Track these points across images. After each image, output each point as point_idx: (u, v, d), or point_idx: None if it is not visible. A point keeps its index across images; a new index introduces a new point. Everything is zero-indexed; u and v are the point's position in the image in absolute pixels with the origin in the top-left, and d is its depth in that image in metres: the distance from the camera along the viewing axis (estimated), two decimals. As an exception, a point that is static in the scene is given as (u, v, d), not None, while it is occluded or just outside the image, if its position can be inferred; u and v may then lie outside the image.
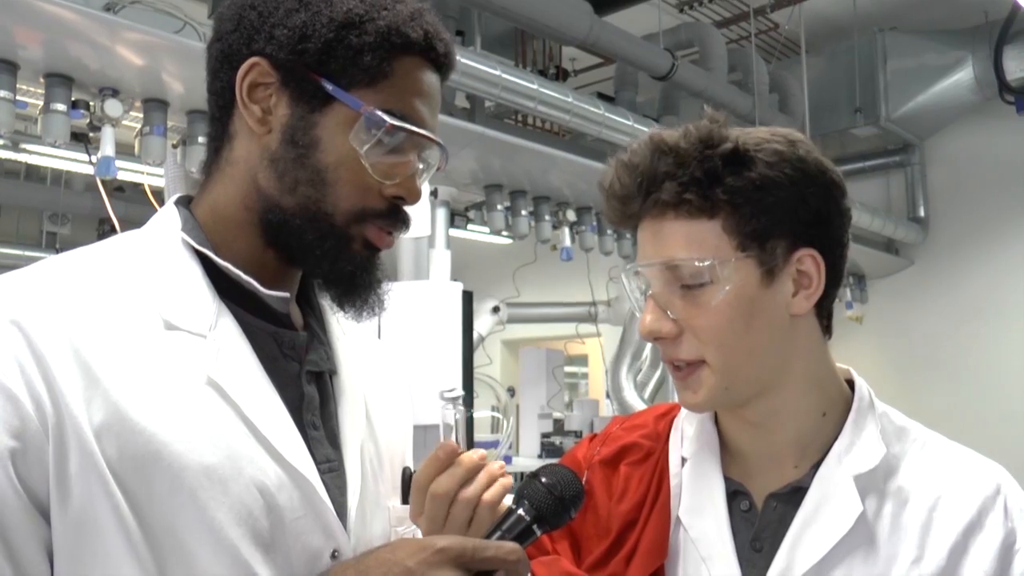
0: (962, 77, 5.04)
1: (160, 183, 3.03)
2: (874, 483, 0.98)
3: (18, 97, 2.40)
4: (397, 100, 0.90)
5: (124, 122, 2.64)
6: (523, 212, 3.98)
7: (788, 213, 0.96)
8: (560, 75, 4.81)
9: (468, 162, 3.56)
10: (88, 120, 2.59)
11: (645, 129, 3.95)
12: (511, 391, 6.58)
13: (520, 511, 0.88)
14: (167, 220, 0.93)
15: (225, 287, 0.89)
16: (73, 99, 2.50)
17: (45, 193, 5.92)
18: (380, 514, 0.99)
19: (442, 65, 0.96)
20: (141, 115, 2.67)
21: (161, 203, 2.61)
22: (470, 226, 4.99)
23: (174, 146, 2.81)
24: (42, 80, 2.46)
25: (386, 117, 0.88)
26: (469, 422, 3.70)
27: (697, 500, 1.04)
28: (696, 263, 0.95)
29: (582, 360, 8.11)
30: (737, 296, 0.95)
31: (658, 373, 5.53)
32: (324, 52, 0.88)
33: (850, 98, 5.18)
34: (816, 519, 0.97)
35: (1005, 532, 0.95)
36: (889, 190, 5.99)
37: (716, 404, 1.03)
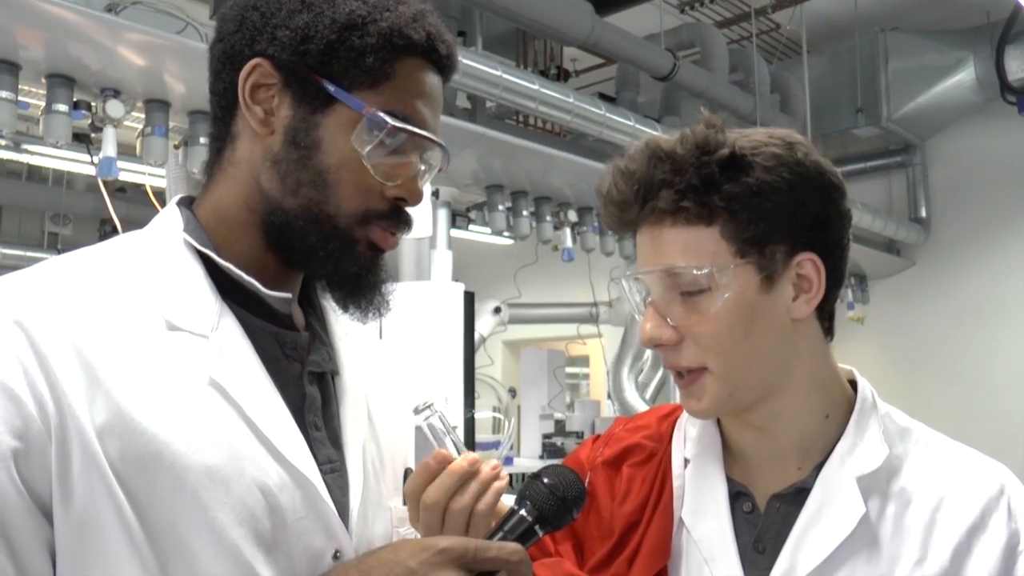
0: (964, 77, 5.04)
1: (162, 184, 3.03)
2: (877, 484, 0.98)
3: (20, 98, 2.40)
4: (399, 101, 0.90)
5: (126, 123, 2.64)
6: (524, 212, 3.98)
7: (787, 218, 0.95)
8: (561, 75, 4.81)
9: (469, 162, 3.56)
10: (90, 121, 2.60)
11: (646, 129, 3.95)
12: (512, 392, 6.57)
13: (522, 511, 0.88)
14: (169, 221, 0.93)
15: (227, 288, 0.89)
16: (75, 100, 2.51)
17: (47, 194, 5.92)
18: (382, 515, 0.99)
19: (444, 67, 0.96)
20: (143, 116, 2.67)
21: (163, 204, 2.61)
22: (471, 227, 5.00)
23: (176, 147, 2.81)
24: (44, 81, 2.46)
25: (388, 119, 0.88)
26: (470, 423, 3.70)
27: (700, 501, 1.04)
28: (694, 271, 0.94)
29: (583, 361, 8.11)
30: (736, 302, 0.95)
31: (659, 374, 5.53)
32: (326, 53, 0.88)
33: (851, 98, 5.18)
34: (819, 520, 0.97)
35: (1009, 533, 0.95)
36: (890, 190, 5.98)
37: (720, 411, 1.03)
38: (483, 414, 5.90)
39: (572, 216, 4.22)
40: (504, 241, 5.18)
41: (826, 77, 5.24)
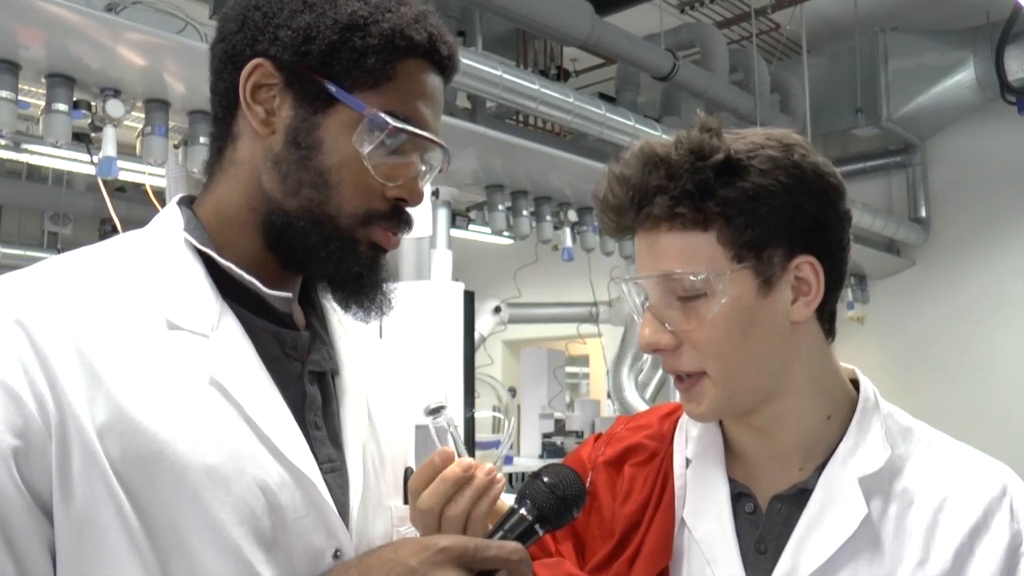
0: (963, 77, 5.04)
1: (161, 183, 3.04)
2: (879, 485, 0.98)
3: (20, 97, 2.40)
4: (400, 102, 0.90)
5: (126, 122, 2.64)
6: (524, 212, 3.98)
7: (784, 222, 0.94)
8: (561, 75, 4.81)
9: (469, 162, 3.56)
10: (90, 120, 2.60)
11: (646, 129, 3.95)
12: (512, 391, 6.58)
13: (522, 511, 0.88)
14: (170, 220, 0.93)
15: (227, 287, 0.89)
16: (75, 99, 2.51)
17: (47, 193, 5.92)
18: (382, 514, 0.99)
19: (445, 68, 0.96)
20: (142, 115, 2.67)
21: (162, 203, 2.61)
22: (471, 226, 4.99)
23: (175, 146, 2.81)
24: (44, 80, 2.46)
25: (389, 119, 0.88)
26: (470, 422, 3.70)
27: (701, 502, 1.04)
28: (691, 277, 0.94)
29: (583, 360, 8.12)
30: (733, 308, 0.94)
31: (659, 374, 5.53)
32: (328, 54, 0.88)
33: (851, 98, 5.18)
34: (821, 521, 0.97)
35: (1011, 534, 0.94)
36: (890, 190, 5.99)
37: (720, 414, 1.03)
38: (483, 413, 5.90)
39: (572, 216, 4.22)
40: (504, 241, 5.18)
41: (826, 77, 5.24)
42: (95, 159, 2.71)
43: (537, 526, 0.88)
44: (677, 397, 1.05)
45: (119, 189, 5.31)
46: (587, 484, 1.05)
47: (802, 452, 1.02)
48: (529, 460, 5.70)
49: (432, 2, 0.98)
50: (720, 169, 0.93)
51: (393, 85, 0.90)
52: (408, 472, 1.05)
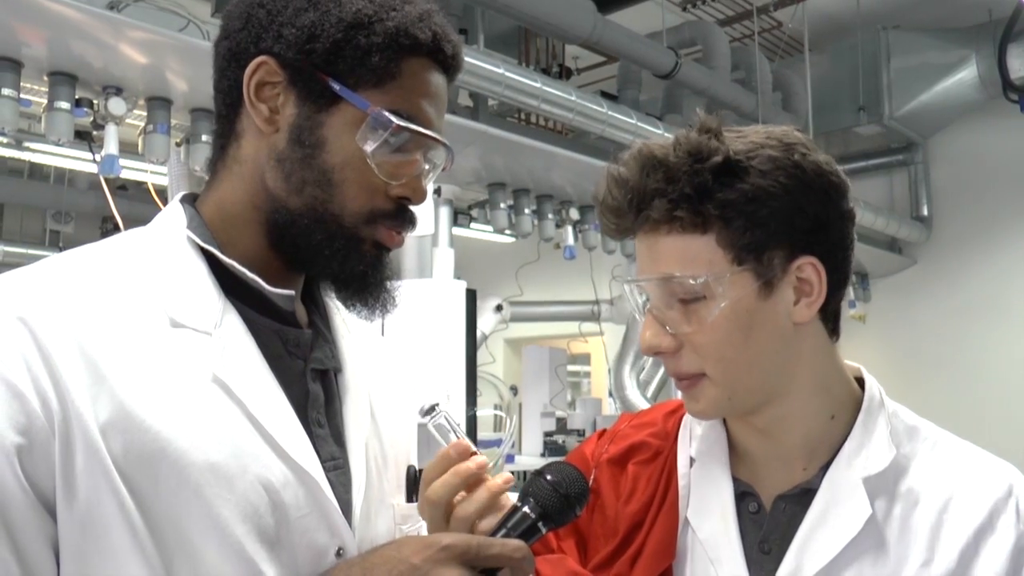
0: (966, 75, 5.04)
1: (163, 181, 3.04)
2: (884, 485, 0.97)
3: (22, 95, 2.40)
4: (404, 101, 0.90)
5: (128, 120, 2.64)
6: (526, 210, 3.98)
7: (784, 223, 0.93)
8: (563, 73, 4.81)
9: (471, 160, 3.56)
10: (92, 118, 2.60)
11: (648, 127, 3.95)
12: (514, 389, 6.59)
13: (525, 508, 0.88)
14: (173, 218, 0.93)
15: (230, 285, 0.89)
16: (77, 97, 2.51)
17: (49, 191, 5.93)
18: (385, 512, 0.99)
19: (449, 67, 0.95)
20: (145, 113, 2.67)
21: (164, 201, 2.61)
22: (473, 224, 4.99)
23: (177, 144, 2.81)
24: (46, 78, 2.46)
25: (393, 118, 0.88)
26: (472, 421, 3.70)
27: (705, 501, 1.03)
28: (690, 280, 0.93)
29: (585, 359, 8.12)
30: (734, 310, 0.93)
31: (661, 372, 5.53)
32: (332, 52, 0.88)
33: (853, 96, 5.17)
34: (825, 521, 0.96)
35: (1017, 534, 0.94)
36: (892, 189, 5.98)
37: (720, 413, 1.03)
38: (485, 412, 5.90)
39: (574, 214, 4.22)
40: (506, 239, 5.18)
41: (828, 75, 5.24)
42: (97, 157, 2.71)
43: (540, 524, 0.88)
44: (679, 395, 1.05)
45: (121, 187, 5.31)
46: (590, 482, 1.04)
47: (806, 452, 1.01)
48: (531, 458, 5.69)
49: (435, 0, 0.97)
50: (719, 171, 0.92)
51: (397, 83, 0.90)
52: (411, 470, 1.05)
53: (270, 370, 0.88)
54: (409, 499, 1.03)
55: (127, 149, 2.72)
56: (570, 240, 4.25)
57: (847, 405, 1.03)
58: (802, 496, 1.00)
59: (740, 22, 5.17)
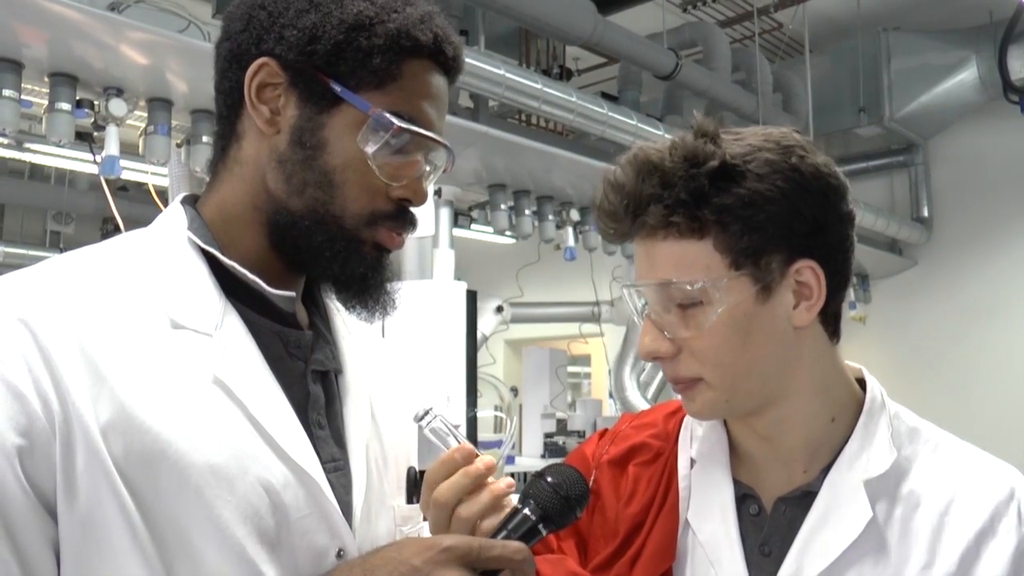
0: (966, 77, 5.04)
1: (164, 182, 3.04)
2: (885, 487, 0.96)
3: (23, 96, 2.41)
4: (405, 102, 0.90)
5: (128, 121, 2.64)
6: (527, 212, 3.98)
7: (782, 227, 0.92)
8: (564, 74, 4.81)
9: (472, 161, 3.56)
10: (92, 119, 2.60)
11: (649, 129, 3.95)
12: (514, 391, 6.58)
13: (526, 510, 0.88)
14: (173, 219, 0.93)
15: (231, 286, 0.89)
16: (77, 98, 2.51)
17: (49, 192, 5.94)
18: (385, 513, 0.99)
19: (450, 68, 0.95)
20: (145, 114, 2.67)
21: (165, 203, 2.62)
22: (474, 226, 5.00)
23: (178, 145, 2.81)
24: (46, 79, 2.46)
25: (394, 119, 0.88)
26: (472, 422, 3.70)
27: (706, 503, 1.03)
28: (687, 286, 0.92)
29: (585, 360, 8.12)
30: (731, 315, 0.93)
31: (661, 373, 5.52)
32: (333, 54, 0.88)
33: (854, 98, 5.18)
34: (825, 524, 0.96)
35: (1018, 538, 0.93)
36: (893, 190, 5.98)
37: (718, 415, 1.02)
38: (485, 413, 5.90)
39: (574, 215, 4.22)
40: (506, 240, 5.18)
41: (828, 76, 5.24)
42: (98, 158, 2.71)
43: (541, 526, 0.88)
44: (679, 396, 1.05)
45: (122, 188, 5.32)
46: (590, 483, 1.04)
47: (806, 454, 1.01)
48: (531, 460, 5.69)
49: (435, 1, 0.97)
50: (715, 175, 0.91)
51: (398, 85, 0.90)
52: (411, 471, 1.05)
53: (271, 371, 0.88)
54: (409, 500, 1.03)
55: (128, 150, 2.72)
56: (570, 241, 4.25)
57: (848, 407, 1.02)
58: (803, 498, 0.99)
59: (741, 23, 5.17)
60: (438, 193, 3.63)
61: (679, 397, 1.03)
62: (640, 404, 5.26)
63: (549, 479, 0.91)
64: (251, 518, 0.81)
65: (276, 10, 0.90)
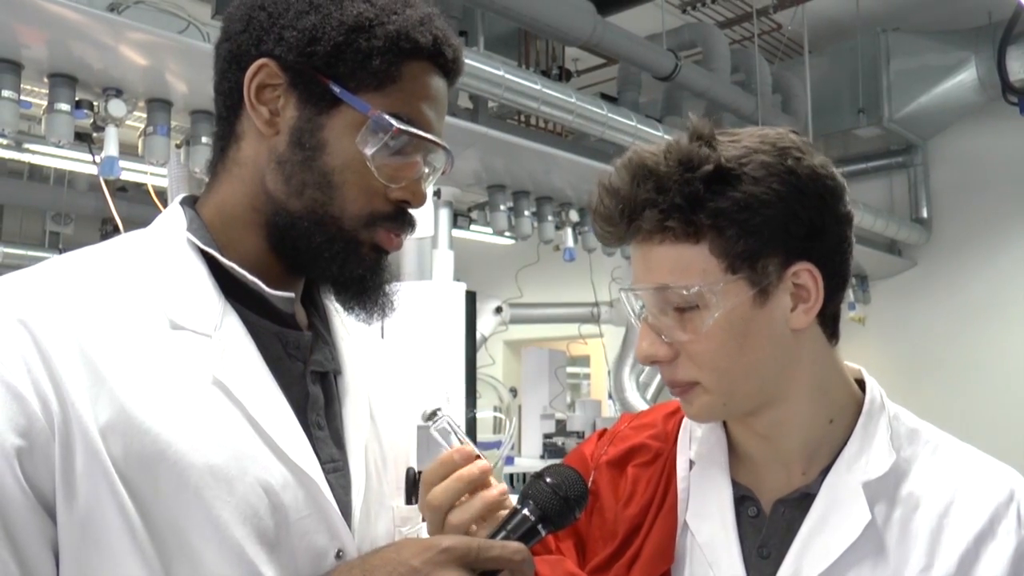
0: (965, 78, 5.04)
1: (163, 183, 3.04)
2: (883, 489, 0.96)
3: (22, 97, 2.41)
4: (404, 104, 0.90)
5: (128, 122, 2.65)
6: (526, 212, 3.99)
7: (778, 230, 0.91)
8: (563, 75, 4.81)
9: (471, 162, 3.57)
10: (92, 120, 2.60)
11: (648, 130, 3.95)
12: (513, 391, 6.58)
13: (525, 511, 0.88)
14: (173, 220, 0.93)
15: (230, 287, 0.89)
16: (77, 99, 2.51)
17: (48, 193, 5.93)
18: (384, 514, 0.99)
19: (450, 70, 0.96)
20: (145, 115, 2.67)
21: (164, 203, 2.62)
22: (473, 226, 5.00)
23: (177, 146, 2.82)
24: (46, 80, 2.47)
25: (393, 121, 0.88)
26: (472, 423, 3.70)
27: (704, 505, 1.03)
28: (683, 290, 0.92)
29: (584, 361, 8.11)
30: (728, 319, 0.92)
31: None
32: (333, 55, 0.88)
33: (853, 99, 5.18)
34: (824, 526, 0.96)
35: (1018, 541, 0.93)
36: (892, 191, 5.99)
37: (716, 417, 1.02)
38: (484, 414, 5.90)
39: (573, 216, 4.23)
40: (506, 241, 5.18)
41: (828, 77, 5.25)
42: (97, 159, 2.71)
43: (540, 527, 0.88)
44: (678, 397, 1.05)
45: (121, 189, 5.31)
46: (589, 483, 1.04)
47: (805, 456, 1.01)
48: (530, 460, 5.70)
49: (434, 2, 0.97)
50: (710, 179, 0.90)
51: (397, 87, 0.90)
52: (410, 472, 1.05)
53: (270, 372, 0.88)
54: (408, 501, 1.03)
55: (127, 151, 2.72)
56: (570, 242, 4.26)
57: (847, 408, 1.02)
58: (801, 500, 0.99)
59: (740, 24, 5.17)
60: (437, 194, 3.63)
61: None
62: (639, 405, 5.26)
63: (548, 480, 0.91)
64: (250, 519, 0.81)
65: (276, 11, 0.90)
